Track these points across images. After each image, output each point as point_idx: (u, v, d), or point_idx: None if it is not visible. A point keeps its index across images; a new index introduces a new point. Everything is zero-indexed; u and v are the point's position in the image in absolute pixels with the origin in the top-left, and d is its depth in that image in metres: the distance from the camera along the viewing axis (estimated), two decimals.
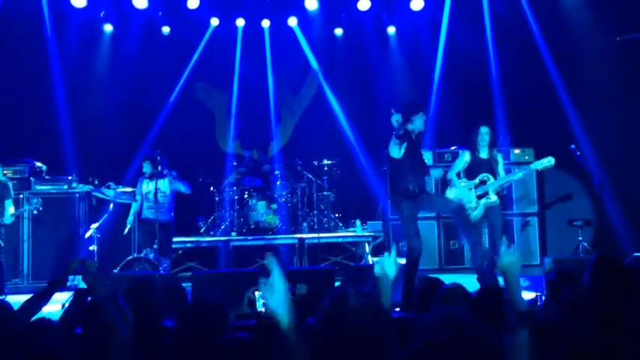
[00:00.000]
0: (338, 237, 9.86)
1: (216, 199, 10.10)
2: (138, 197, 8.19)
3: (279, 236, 9.80)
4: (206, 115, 11.54)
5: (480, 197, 6.79)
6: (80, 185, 8.65)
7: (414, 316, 4.07)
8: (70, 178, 8.75)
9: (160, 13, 10.58)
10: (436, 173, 7.34)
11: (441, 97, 10.67)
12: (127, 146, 10.10)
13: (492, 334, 2.28)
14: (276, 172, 10.47)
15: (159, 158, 7.98)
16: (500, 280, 2.89)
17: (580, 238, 8.89)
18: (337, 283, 6.36)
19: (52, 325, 2.99)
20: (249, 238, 9.65)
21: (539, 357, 2.57)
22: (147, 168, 8.11)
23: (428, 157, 8.48)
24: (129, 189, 8.42)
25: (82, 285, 3.30)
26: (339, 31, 11.19)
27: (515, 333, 2.41)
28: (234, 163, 10.98)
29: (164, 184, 8.05)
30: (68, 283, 3.39)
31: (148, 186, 8.09)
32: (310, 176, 10.26)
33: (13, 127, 9.72)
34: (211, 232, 9.96)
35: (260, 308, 5.06)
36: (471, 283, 5.75)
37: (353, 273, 7.01)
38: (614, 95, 9.08)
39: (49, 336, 2.75)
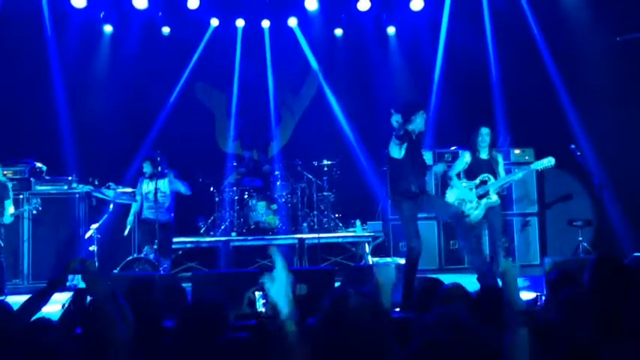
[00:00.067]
0: (338, 237, 9.86)
1: (216, 199, 10.10)
2: (138, 197, 8.19)
3: (279, 236, 9.80)
4: (206, 116, 11.54)
5: (480, 197, 6.80)
6: (80, 185, 8.65)
7: (414, 317, 4.07)
8: (70, 178, 8.75)
9: (160, 14, 10.58)
10: (438, 168, 7.34)
11: (441, 97, 10.67)
12: (127, 146, 10.10)
13: (492, 334, 2.28)
14: (276, 173, 10.47)
15: (159, 158, 7.98)
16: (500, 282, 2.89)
17: (580, 238, 8.89)
18: (337, 284, 6.36)
19: (52, 325, 2.99)
20: (249, 238, 9.65)
21: (539, 357, 2.57)
22: (147, 168, 8.11)
23: (428, 157, 8.47)
24: (129, 189, 8.43)
25: (82, 285, 3.30)
26: (339, 32, 11.19)
27: (515, 331, 2.41)
28: (234, 164, 10.98)
29: (164, 184, 8.05)
30: (68, 283, 3.38)
31: (148, 186, 8.09)
32: (310, 176, 10.26)
33: (13, 127, 9.72)
34: (211, 233, 9.96)
35: (260, 308, 5.06)
36: (471, 283, 5.74)
37: (353, 273, 7.01)
38: (614, 95, 9.08)
39: (48, 336, 2.75)
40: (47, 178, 8.68)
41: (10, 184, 7.71)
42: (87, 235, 7.89)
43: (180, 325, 3.01)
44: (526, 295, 5.97)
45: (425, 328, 2.23)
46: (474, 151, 6.87)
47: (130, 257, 7.64)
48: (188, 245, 9.50)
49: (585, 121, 9.36)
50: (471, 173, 6.91)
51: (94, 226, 7.76)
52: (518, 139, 9.57)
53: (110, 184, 8.29)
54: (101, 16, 10.27)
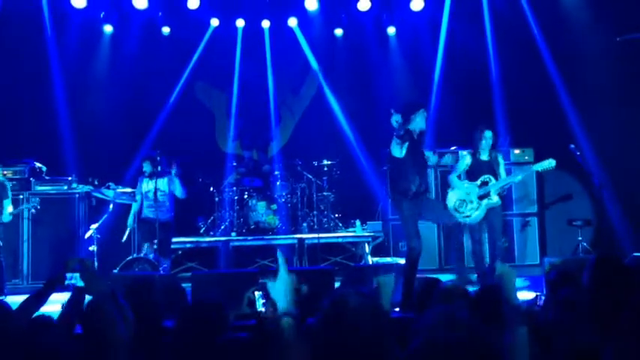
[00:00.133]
0: (338, 237, 9.86)
1: (216, 199, 10.10)
2: (138, 197, 8.19)
3: (278, 236, 9.80)
4: (206, 116, 11.54)
5: (481, 198, 6.82)
6: (80, 186, 8.65)
7: (414, 316, 4.06)
8: (69, 178, 8.75)
9: (160, 14, 10.58)
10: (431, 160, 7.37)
11: (441, 97, 10.67)
12: (126, 146, 10.10)
13: (492, 334, 2.28)
14: (276, 173, 10.47)
15: (158, 158, 7.98)
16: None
17: (580, 238, 8.89)
18: (337, 284, 6.36)
19: (52, 323, 2.99)
20: (249, 238, 9.65)
21: (539, 357, 2.57)
22: (147, 167, 8.11)
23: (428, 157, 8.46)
24: (129, 189, 8.43)
25: (80, 283, 3.30)
26: (339, 32, 11.19)
27: (514, 329, 2.41)
28: (234, 164, 10.98)
29: (163, 184, 8.05)
30: (66, 282, 3.37)
31: (147, 185, 8.09)
32: (310, 176, 10.26)
33: (13, 127, 9.72)
34: (211, 233, 9.96)
35: (260, 308, 5.06)
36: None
37: (353, 273, 7.01)
38: (614, 95, 9.08)
39: (48, 335, 2.75)
40: (47, 178, 8.68)
41: (8, 184, 7.72)
42: (87, 235, 7.90)
43: (180, 325, 3.01)
44: (526, 295, 5.98)
45: (425, 328, 2.23)
46: (475, 152, 6.88)
47: (130, 257, 7.64)
48: (188, 245, 9.50)
49: (585, 121, 9.36)
50: (472, 174, 6.93)
51: (94, 226, 7.76)
52: (518, 139, 9.56)
53: (110, 184, 8.29)
54: (101, 16, 10.27)
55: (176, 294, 5.80)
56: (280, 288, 2.26)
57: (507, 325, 2.45)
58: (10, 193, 7.66)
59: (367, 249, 9.54)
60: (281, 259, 2.38)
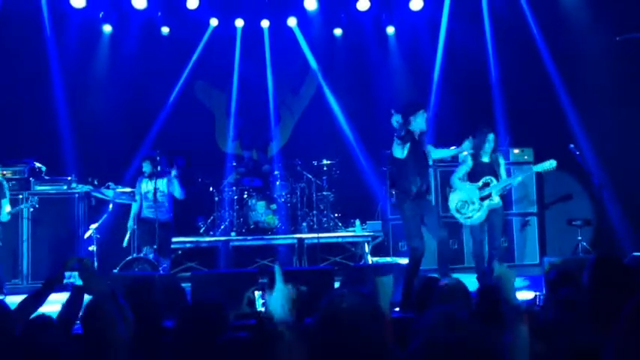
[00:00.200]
0: (337, 237, 9.86)
1: (216, 199, 10.10)
2: (137, 197, 8.18)
3: (278, 236, 9.80)
4: (206, 115, 11.54)
5: (483, 199, 6.84)
6: (79, 185, 8.64)
7: (414, 316, 4.06)
8: (69, 178, 8.74)
9: (160, 14, 10.58)
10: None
11: (440, 97, 10.67)
12: (126, 146, 10.10)
13: (492, 334, 2.28)
14: (276, 172, 10.47)
15: (158, 158, 7.98)
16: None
17: (579, 238, 8.89)
18: (337, 284, 6.35)
19: (52, 323, 2.99)
20: (249, 238, 9.65)
21: (539, 357, 2.56)
22: (146, 167, 8.09)
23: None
24: (128, 189, 8.43)
25: (79, 282, 3.30)
26: (338, 32, 11.19)
27: (514, 329, 2.41)
28: (234, 164, 10.98)
29: (163, 184, 8.05)
30: (65, 281, 3.37)
31: (147, 185, 8.08)
32: (310, 176, 10.26)
33: (13, 127, 9.71)
34: (211, 232, 9.96)
35: (260, 308, 5.07)
36: (471, 283, 5.74)
37: (352, 273, 7.00)
38: (614, 95, 9.08)
39: (48, 335, 2.75)
40: (46, 178, 8.67)
41: (6, 184, 7.71)
42: (86, 235, 7.89)
43: (180, 325, 3.01)
44: (525, 295, 5.98)
45: (424, 328, 2.23)
46: (477, 154, 6.90)
47: (130, 257, 7.62)
48: (187, 245, 9.50)
49: (585, 121, 9.36)
50: (473, 176, 6.95)
51: (94, 226, 7.76)
52: (518, 139, 9.57)
53: (110, 184, 8.29)
54: (100, 16, 10.27)
55: (176, 294, 5.79)
56: (277, 299, 2.27)
57: (507, 325, 2.45)
58: (7, 193, 7.65)
59: (367, 249, 9.54)
60: (277, 270, 2.38)
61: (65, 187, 8.65)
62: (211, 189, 10.13)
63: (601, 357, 2.37)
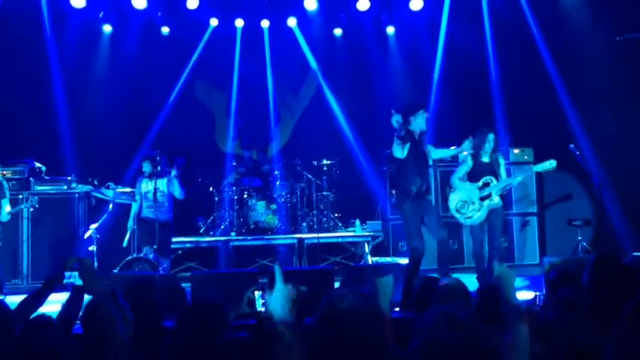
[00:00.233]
0: (337, 237, 9.86)
1: (216, 199, 10.10)
2: (137, 197, 8.18)
3: (278, 236, 9.80)
4: (206, 115, 11.55)
5: (483, 199, 6.84)
6: (79, 185, 8.64)
7: (414, 316, 4.06)
8: (69, 178, 8.74)
9: (160, 14, 10.58)
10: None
11: (440, 97, 10.67)
12: (126, 146, 10.09)
13: (492, 334, 2.28)
14: (276, 172, 10.47)
15: (158, 158, 7.98)
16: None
17: (579, 238, 8.89)
18: (337, 284, 6.35)
19: (52, 323, 2.99)
20: (249, 238, 9.65)
21: (539, 357, 2.56)
22: (146, 167, 8.09)
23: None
24: (128, 189, 8.42)
25: (79, 282, 3.30)
26: (338, 32, 11.20)
27: (514, 329, 2.41)
28: (234, 164, 10.98)
29: (163, 184, 8.04)
30: (65, 281, 3.37)
31: (147, 185, 8.08)
32: (310, 176, 10.26)
33: (13, 127, 9.71)
34: (211, 232, 9.96)
35: (260, 308, 5.07)
36: (471, 283, 5.74)
37: (352, 273, 7.00)
38: (614, 95, 9.08)
39: (48, 334, 2.75)
40: (46, 178, 8.68)
41: (6, 184, 7.71)
42: (86, 235, 7.89)
43: (180, 325, 3.01)
44: (525, 295, 5.98)
45: (424, 328, 2.23)
46: (477, 154, 6.90)
47: (130, 257, 7.62)
48: (188, 245, 9.50)
49: (585, 121, 9.36)
50: (473, 176, 6.96)
51: (94, 226, 7.76)
52: (518, 139, 9.56)
53: (109, 184, 8.29)
54: (100, 16, 10.27)
55: (176, 294, 5.79)
56: (277, 299, 2.28)
57: (507, 325, 2.45)
58: (7, 193, 7.65)
59: (367, 249, 9.54)
60: (277, 270, 2.39)
61: (65, 187, 8.65)
62: (211, 189, 10.13)
63: (601, 357, 2.37)
